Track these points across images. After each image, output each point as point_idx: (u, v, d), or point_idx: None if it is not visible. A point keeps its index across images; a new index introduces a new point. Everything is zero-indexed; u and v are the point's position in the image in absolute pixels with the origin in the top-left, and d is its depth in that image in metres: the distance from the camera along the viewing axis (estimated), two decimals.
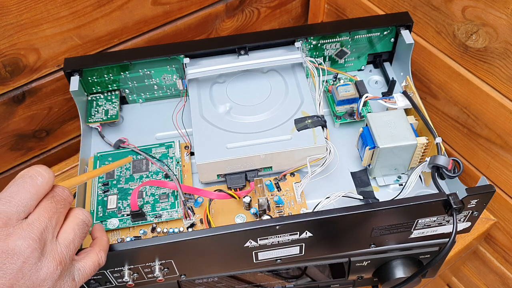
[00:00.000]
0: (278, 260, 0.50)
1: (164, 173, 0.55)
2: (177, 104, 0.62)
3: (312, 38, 0.61)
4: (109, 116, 0.60)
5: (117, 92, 0.62)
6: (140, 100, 0.64)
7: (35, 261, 0.34)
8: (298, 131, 0.54)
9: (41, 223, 0.35)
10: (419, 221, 0.48)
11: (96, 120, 0.59)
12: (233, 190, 0.53)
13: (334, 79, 0.63)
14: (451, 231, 0.45)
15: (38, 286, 0.34)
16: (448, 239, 0.45)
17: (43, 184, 0.36)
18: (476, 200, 0.46)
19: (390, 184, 0.55)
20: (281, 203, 0.52)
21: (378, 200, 0.52)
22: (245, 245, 0.46)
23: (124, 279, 0.46)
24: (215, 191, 0.51)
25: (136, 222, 0.51)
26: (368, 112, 0.58)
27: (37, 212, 0.35)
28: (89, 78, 0.60)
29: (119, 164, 0.50)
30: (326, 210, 0.45)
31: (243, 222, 0.51)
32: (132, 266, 0.46)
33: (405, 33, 0.61)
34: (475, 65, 0.62)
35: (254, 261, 0.49)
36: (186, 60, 0.59)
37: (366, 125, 0.53)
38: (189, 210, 0.51)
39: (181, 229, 0.51)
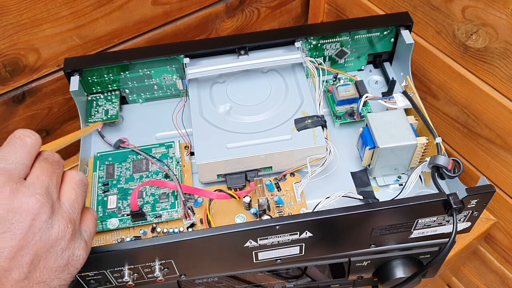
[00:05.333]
0: (278, 260, 0.50)
1: (164, 173, 0.55)
2: (177, 104, 0.62)
3: (312, 38, 0.61)
4: (109, 116, 0.60)
5: (117, 92, 0.62)
6: (140, 100, 0.64)
7: (46, 218, 0.32)
8: (298, 131, 0.54)
9: (43, 181, 0.33)
10: (419, 221, 0.48)
11: (96, 120, 0.59)
12: (233, 190, 0.53)
13: (334, 79, 0.63)
14: (451, 231, 0.45)
15: (50, 247, 0.32)
16: (448, 239, 0.45)
17: (32, 144, 0.35)
18: (476, 200, 0.46)
19: (390, 184, 0.55)
20: (281, 203, 0.52)
21: (378, 200, 0.52)
22: (245, 245, 0.46)
23: (124, 279, 0.46)
24: (215, 191, 0.51)
25: (136, 222, 0.51)
26: (368, 112, 0.58)
27: (35, 173, 0.34)
28: (89, 78, 0.60)
29: (89, 130, 0.53)
30: (326, 210, 0.45)
31: (243, 222, 0.50)
32: (132, 266, 0.46)
33: (405, 33, 0.61)
34: (475, 65, 0.62)
35: (254, 261, 0.49)
36: (186, 60, 0.59)
37: (366, 125, 0.53)
38: (189, 210, 0.51)
39: (181, 229, 0.51)
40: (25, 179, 0.33)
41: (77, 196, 0.37)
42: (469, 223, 0.50)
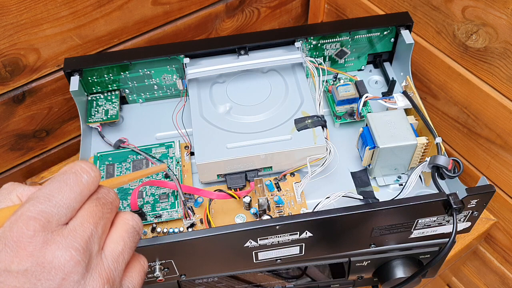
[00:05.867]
0: (278, 260, 0.50)
1: (164, 173, 0.55)
2: (177, 104, 0.62)
3: (312, 38, 0.61)
4: (109, 116, 0.60)
5: (117, 92, 0.62)
6: (140, 100, 0.64)
7: (78, 278, 0.28)
8: (298, 131, 0.54)
9: (85, 230, 0.29)
10: (419, 221, 0.48)
11: (96, 120, 0.59)
12: (233, 190, 0.53)
13: (334, 79, 0.63)
14: (451, 231, 0.45)
15: None
16: (448, 239, 0.45)
17: (88, 183, 0.30)
18: (476, 200, 0.46)
19: (390, 184, 0.55)
20: (281, 203, 0.52)
21: (378, 200, 0.52)
22: (245, 245, 0.46)
23: None
24: (215, 191, 0.51)
25: None
26: (368, 112, 0.58)
27: (80, 217, 0.29)
28: (89, 78, 0.60)
29: (154, 171, 0.48)
30: (326, 210, 0.45)
31: (243, 222, 0.50)
32: None
33: (405, 33, 0.61)
34: (475, 65, 0.62)
35: (254, 261, 0.49)
36: (186, 60, 0.59)
37: (366, 125, 0.53)
38: (189, 210, 0.51)
39: (181, 229, 0.51)
40: (67, 223, 0.29)
41: (125, 247, 0.31)
42: (469, 223, 0.50)
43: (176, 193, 0.53)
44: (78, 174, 0.30)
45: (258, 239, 0.46)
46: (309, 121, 0.54)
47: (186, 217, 0.50)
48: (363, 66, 0.67)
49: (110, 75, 0.60)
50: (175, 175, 0.54)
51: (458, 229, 0.50)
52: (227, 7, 0.76)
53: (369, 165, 0.54)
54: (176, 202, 0.52)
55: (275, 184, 0.54)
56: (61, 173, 0.30)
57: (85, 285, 0.28)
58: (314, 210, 0.48)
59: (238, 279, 0.58)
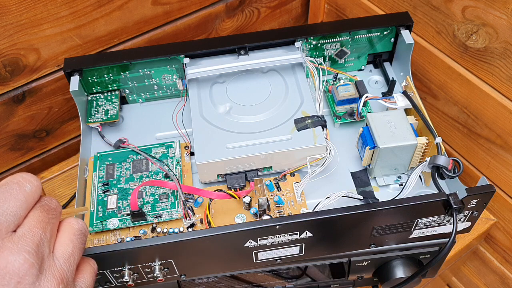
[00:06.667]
0: (278, 260, 0.50)
1: (164, 173, 0.55)
2: (177, 104, 0.62)
3: (312, 38, 0.61)
4: (109, 116, 0.60)
5: (117, 92, 0.62)
6: (140, 100, 0.64)
7: (33, 280, 0.28)
8: (298, 131, 0.54)
9: (35, 234, 0.30)
10: (419, 221, 0.48)
11: (96, 120, 0.59)
12: (233, 190, 0.53)
13: (334, 79, 0.63)
14: (451, 231, 0.45)
15: None
16: (448, 239, 0.45)
17: (31, 191, 0.31)
18: (476, 200, 0.46)
19: (390, 184, 0.55)
20: (281, 203, 0.52)
21: (378, 200, 0.52)
22: (245, 245, 0.46)
23: (124, 279, 0.46)
24: (215, 191, 0.51)
25: (136, 222, 0.51)
26: (368, 112, 0.58)
27: (28, 223, 0.30)
28: (89, 78, 0.60)
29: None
30: (326, 210, 0.45)
31: (243, 222, 0.50)
32: (132, 266, 0.46)
33: (405, 33, 0.61)
34: (475, 65, 0.62)
35: (254, 261, 0.49)
36: (186, 60, 0.59)
37: (366, 125, 0.53)
38: (189, 210, 0.51)
39: (181, 229, 0.51)
40: (15, 230, 0.30)
41: (74, 249, 0.33)
42: (469, 223, 0.50)
43: (176, 193, 0.53)
44: (21, 184, 0.31)
45: (258, 239, 0.46)
46: (309, 121, 0.54)
47: (186, 217, 0.50)
48: (363, 66, 0.67)
49: (110, 75, 0.60)
50: (175, 175, 0.54)
51: (458, 229, 0.50)
52: (227, 7, 0.76)
53: (369, 165, 0.54)
54: (176, 202, 0.52)
55: (275, 184, 0.54)
56: (2, 184, 0.31)
57: (40, 286, 0.29)
58: (314, 210, 0.48)
59: (238, 279, 0.58)
